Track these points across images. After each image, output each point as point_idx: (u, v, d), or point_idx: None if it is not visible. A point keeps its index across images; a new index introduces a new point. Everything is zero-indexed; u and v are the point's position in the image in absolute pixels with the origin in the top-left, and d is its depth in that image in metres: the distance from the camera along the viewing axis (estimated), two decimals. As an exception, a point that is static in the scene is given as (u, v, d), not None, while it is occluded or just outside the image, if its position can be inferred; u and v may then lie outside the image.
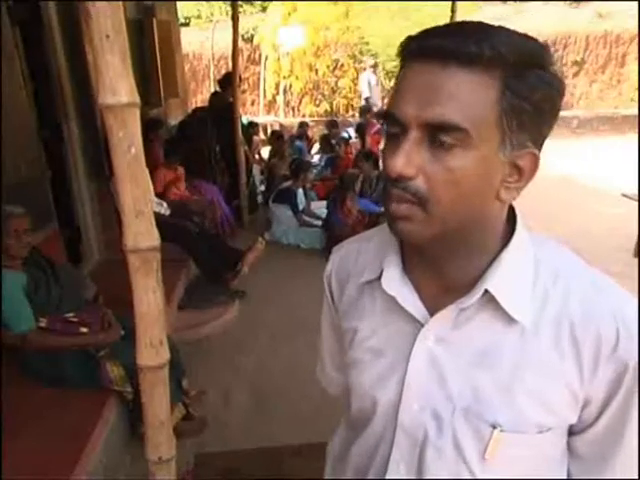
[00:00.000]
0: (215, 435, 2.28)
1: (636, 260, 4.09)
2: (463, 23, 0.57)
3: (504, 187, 0.59)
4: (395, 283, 0.67)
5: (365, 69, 6.75)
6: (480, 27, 0.55)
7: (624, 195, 4.33)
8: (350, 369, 0.75)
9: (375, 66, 7.71)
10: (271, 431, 2.26)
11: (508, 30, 0.56)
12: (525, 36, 0.56)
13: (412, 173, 0.56)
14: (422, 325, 0.66)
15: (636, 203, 4.18)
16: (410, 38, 0.58)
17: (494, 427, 0.63)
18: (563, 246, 0.68)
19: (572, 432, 0.68)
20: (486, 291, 0.62)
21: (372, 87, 6.87)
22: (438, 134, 0.54)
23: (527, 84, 0.55)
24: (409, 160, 0.55)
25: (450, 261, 0.64)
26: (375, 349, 0.70)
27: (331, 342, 0.86)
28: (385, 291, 0.68)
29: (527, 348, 0.62)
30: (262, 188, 5.92)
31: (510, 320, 0.62)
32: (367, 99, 6.99)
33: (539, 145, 0.59)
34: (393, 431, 0.70)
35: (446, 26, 0.57)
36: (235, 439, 2.25)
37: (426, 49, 0.55)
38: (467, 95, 0.54)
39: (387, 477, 0.71)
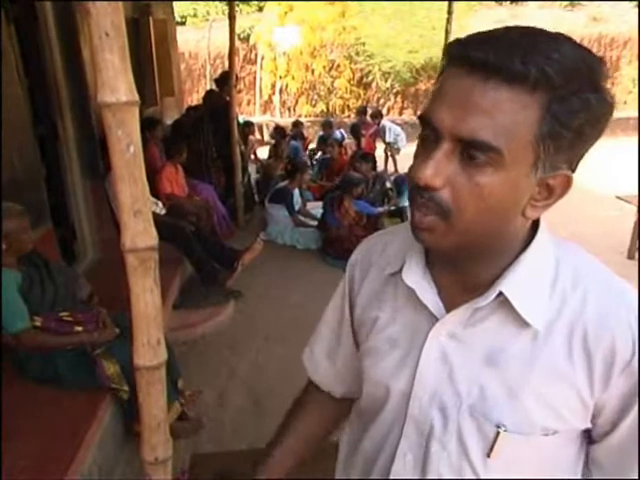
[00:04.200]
0: (210, 436, 2.27)
1: (630, 262, 4.12)
2: (512, 31, 0.53)
3: (531, 205, 0.58)
4: (416, 276, 0.68)
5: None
6: (530, 39, 0.52)
7: (618, 197, 4.35)
8: (366, 358, 0.76)
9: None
10: (266, 432, 2.25)
11: (562, 43, 0.52)
12: (579, 50, 0.52)
13: (439, 184, 0.55)
14: (437, 319, 0.67)
15: (630, 205, 4.21)
16: (455, 42, 0.56)
17: (498, 427, 0.64)
18: (581, 248, 0.68)
19: (591, 441, 0.69)
20: (500, 293, 0.62)
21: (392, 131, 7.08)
22: (470, 149, 0.53)
23: (570, 110, 0.52)
24: (438, 171, 0.55)
25: (470, 263, 0.65)
26: (392, 339, 0.72)
27: (332, 330, 0.86)
28: (406, 283, 0.69)
29: (538, 352, 0.62)
30: (258, 188, 5.91)
31: (523, 323, 0.62)
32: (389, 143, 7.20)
33: (574, 165, 0.57)
34: (403, 421, 0.71)
35: (492, 34, 0.54)
36: (230, 440, 2.24)
37: (472, 59, 0.52)
38: (505, 115, 0.52)
39: (394, 467, 0.73)
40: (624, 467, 0.67)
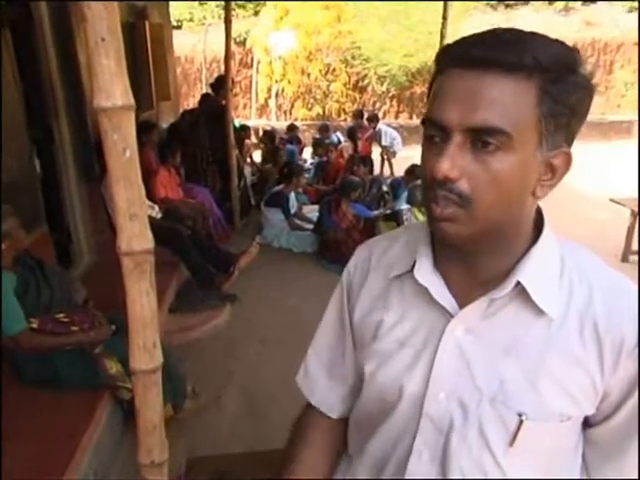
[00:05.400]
0: (207, 439, 2.26)
1: (624, 265, 4.14)
2: (500, 31, 0.59)
3: (539, 185, 0.62)
4: (427, 275, 0.70)
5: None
6: (517, 35, 0.58)
7: (612, 200, 4.38)
8: (371, 361, 0.76)
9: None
10: (263, 435, 2.26)
11: (542, 37, 0.58)
12: (557, 42, 0.58)
13: (457, 175, 0.58)
14: (451, 316, 0.68)
15: (623, 208, 4.24)
16: (450, 46, 0.61)
17: (520, 415, 0.65)
18: (583, 247, 0.71)
19: (590, 423, 0.71)
20: (517, 283, 0.64)
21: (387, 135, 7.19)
22: (482, 137, 0.57)
23: (564, 89, 0.57)
24: (454, 163, 0.58)
25: (483, 257, 0.67)
26: (400, 340, 0.72)
27: (332, 343, 0.85)
28: (414, 284, 0.70)
29: (553, 339, 0.65)
30: (254, 191, 5.91)
31: (538, 312, 0.65)
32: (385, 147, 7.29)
33: (570, 143, 0.62)
34: (417, 420, 0.71)
35: (484, 35, 0.59)
36: (227, 443, 2.24)
37: (467, 58, 0.57)
38: (509, 101, 0.57)
39: (409, 467, 0.73)
40: (620, 445, 0.69)
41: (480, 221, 0.60)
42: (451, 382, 0.68)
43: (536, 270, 0.65)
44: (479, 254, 0.66)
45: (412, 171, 5.09)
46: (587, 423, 0.71)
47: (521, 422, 0.65)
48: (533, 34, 0.58)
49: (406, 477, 0.73)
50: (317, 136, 7.35)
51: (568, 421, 0.66)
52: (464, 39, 0.60)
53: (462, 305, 0.67)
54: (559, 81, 0.57)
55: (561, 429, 0.67)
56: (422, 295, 0.70)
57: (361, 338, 0.79)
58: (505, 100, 0.56)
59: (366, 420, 0.79)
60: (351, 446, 0.85)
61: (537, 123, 0.58)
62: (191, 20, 13.18)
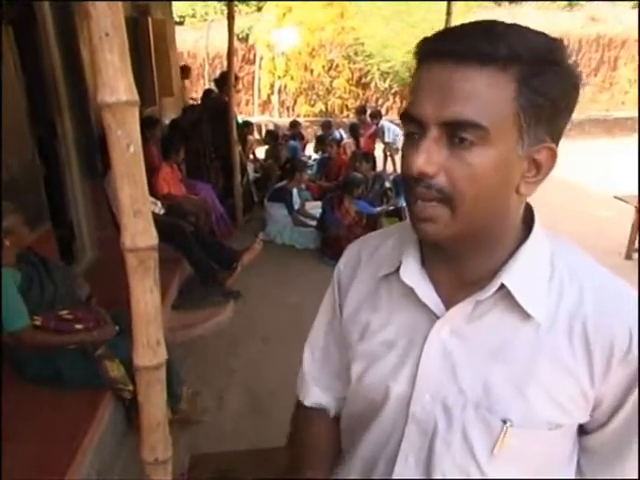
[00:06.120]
0: (209, 436, 2.27)
1: (627, 262, 4.12)
2: (477, 23, 0.57)
3: (524, 182, 0.60)
4: (413, 275, 0.68)
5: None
6: (494, 26, 0.55)
7: (616, 197, 4.36)
8: (359, 362, 0.75)
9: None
10: (265, 432, 2.26)
11: (522, 28, 0.56)
12: (538, 33, 0.56)
13: (433, 170, 0.56)
14: (437, 317, 0.67)
15: (627, 205, 4.22)
16: (425, 40, 0.58)
17: (504, 422, 0.63)
18: (575, 245, 0.69)
19: (586, 431, 0.69)
20: (502, 285, 0.62)
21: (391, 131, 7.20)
22: (457, 132, 0.55)
23: (544, 81, 0.55)
24: (429, 158, 0.56)
25: (469, 256, 0.65)
26: (388, 341, 0.71)
27: (324, 340, 0.85)
28: (402, 284, 0.69)
29: (541, 344, 0.63)
30: (256, 188, 5.91)
31: (525, 315, 0.63)
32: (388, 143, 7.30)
33: (556, 139, 0.60)
34: (403, 423, 0.70)
35: (460, 27, 0.57)
36: (230, 440, 2.24)
37: (441, 50, 0.55)
38: (484, 93, 0.54)
39: (396, 469, 0.72)
40: (619, 451, 0.68)
41: (462, 221, 0.58)
42: (436, 384, 0.67)
43: (523, 271, 0.63)
44: (465, 254, 0.65)
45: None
46: (582, 430, 0.69)
47: (506, 429, 0.63)
48: (512, 25, 0.56)
49: (393, 477, 0.72)
50: (320, 132, 7.33)
51: (557, 429, 0.64)
52: (441, 31, 0.59)
53: (449, 306, 0.66)
54: (539, 73, 0.54)
55: (550, 437, 0.65)
56: (409, 296, 0.69)
57: (348, 337, 0.78)
58: (480, 93, 0.54)
59: (356, 421, 0.79)
60: (344, 446, 0.85)
61: (516, 116, 0.55)
62: (193, 16, 13.14)
